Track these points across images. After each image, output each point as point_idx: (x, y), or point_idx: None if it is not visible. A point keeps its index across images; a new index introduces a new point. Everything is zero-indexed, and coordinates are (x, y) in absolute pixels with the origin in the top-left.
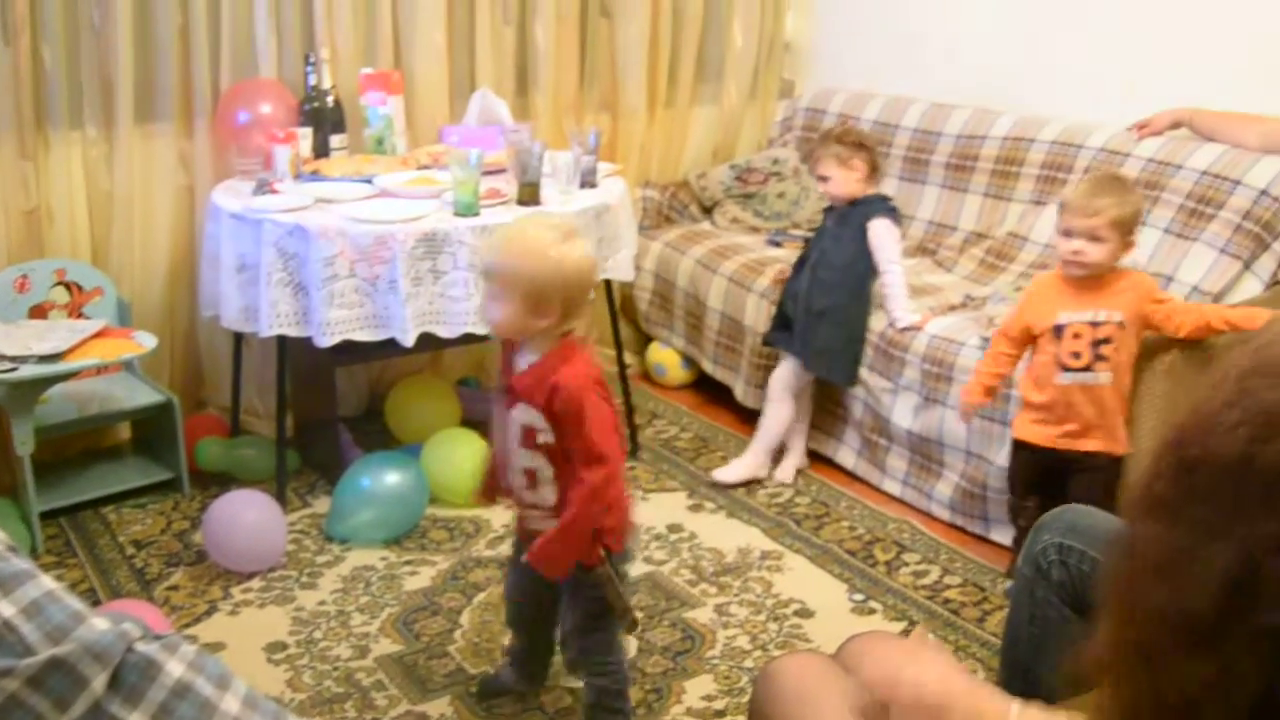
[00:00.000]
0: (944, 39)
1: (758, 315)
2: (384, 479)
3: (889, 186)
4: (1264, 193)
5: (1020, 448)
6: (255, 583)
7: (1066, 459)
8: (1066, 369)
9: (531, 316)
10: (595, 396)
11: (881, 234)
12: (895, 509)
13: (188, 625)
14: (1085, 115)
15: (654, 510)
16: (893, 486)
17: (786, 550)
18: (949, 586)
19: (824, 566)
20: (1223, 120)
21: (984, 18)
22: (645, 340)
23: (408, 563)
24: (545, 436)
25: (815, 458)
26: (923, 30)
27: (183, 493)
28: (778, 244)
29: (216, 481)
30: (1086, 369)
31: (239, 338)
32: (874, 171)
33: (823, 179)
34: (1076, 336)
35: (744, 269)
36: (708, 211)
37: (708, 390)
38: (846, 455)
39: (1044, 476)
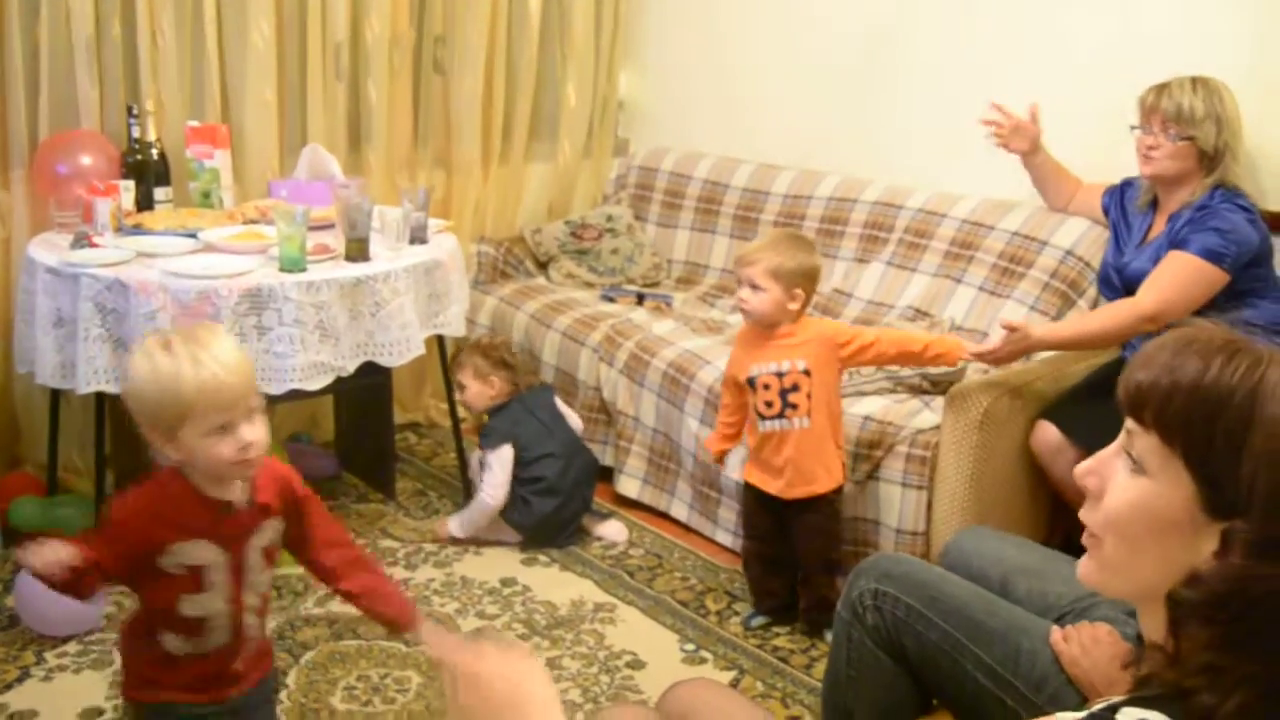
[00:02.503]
0: (767, 103)
1: (590, 369)
2: None
3: (720, 245)
4: (1069, 253)
5: (747, 489)
6: (71, 646)
7: (791, 504)
8: (763, 417)
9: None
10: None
11: (487, 466)
12: (727, 559)
13: None
14: (904, 178)
15: (487, 564)
16: (725, 538)
17: (619, 602)
18: (778, 635)
19: (656, 618)
20: (1056, 169)
21: (800, 83)
22: None
23: None
24: (276, 541)
25: (649, 511)
26: (748, 94)
27: None
28: (612, 299)
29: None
30: (780, 416)
31: (56, 394)
32: (514, 389)
33: (460, 386)
34: (766, 387)
35: (578, 324)
36: (543, 267)
37: None
38: (680, 508)
39: (770, 519)
